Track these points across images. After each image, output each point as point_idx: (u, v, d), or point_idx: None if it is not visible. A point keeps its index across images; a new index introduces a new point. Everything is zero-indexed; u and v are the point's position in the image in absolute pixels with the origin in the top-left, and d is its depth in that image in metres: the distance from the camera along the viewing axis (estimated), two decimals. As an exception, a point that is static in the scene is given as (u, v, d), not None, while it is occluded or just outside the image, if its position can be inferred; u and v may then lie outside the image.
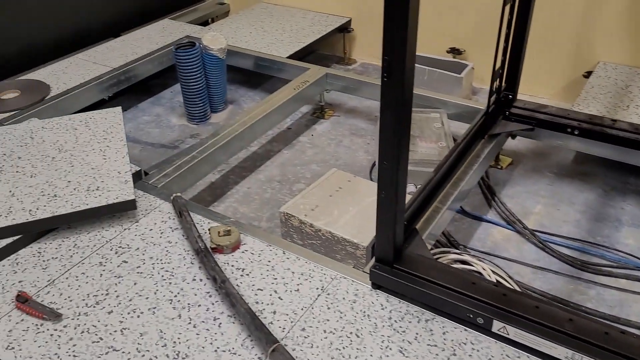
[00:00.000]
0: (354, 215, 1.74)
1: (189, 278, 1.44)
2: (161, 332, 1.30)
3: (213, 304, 1.36)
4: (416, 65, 1.24)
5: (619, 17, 2.49)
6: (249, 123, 2.21)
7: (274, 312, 1.33)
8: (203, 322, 1.32)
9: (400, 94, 1.09)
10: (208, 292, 1.40)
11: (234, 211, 2.11)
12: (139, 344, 1.27)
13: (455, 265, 1.68)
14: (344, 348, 1.24)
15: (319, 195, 1.84)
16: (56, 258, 1.52)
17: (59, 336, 1.29)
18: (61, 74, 2.58)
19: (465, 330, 1.28)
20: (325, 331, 1.28)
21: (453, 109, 2.31)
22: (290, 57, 2.77)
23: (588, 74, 2.57)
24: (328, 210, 1.76)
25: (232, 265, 1.48)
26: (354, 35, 3.29)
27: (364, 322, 1.30)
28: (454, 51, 2.93)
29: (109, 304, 1.37)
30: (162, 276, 1.45)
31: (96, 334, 1.30)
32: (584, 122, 2.02)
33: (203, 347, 1.25)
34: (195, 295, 1.39)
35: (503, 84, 2.08)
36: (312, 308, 1.34)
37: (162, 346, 1.26)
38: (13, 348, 1.26)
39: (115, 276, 1.46)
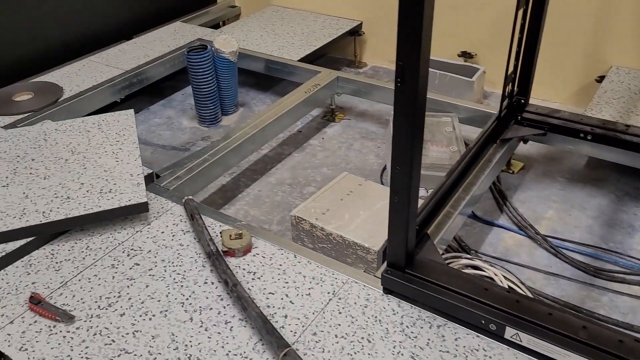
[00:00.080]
0: (365, 219, 1.74)
1: (200, 281, 1.45)
2: (173, 335, 1.30)
3: (224, 307, 1.37)
4: (429, 70, 1.24)
5: (631, 21, 2.47)
6: (260, 126, 2.21)
7: (285, 316, 1.33)
8: (214, 325, 1.32)
9: (413, 99, 1.09)
10: (219, 296, 1.40)
11: (245, 214, 2.12)
12: (150, 346, 1.27)
13: (466, 271, 1.67)
14: (355, 353, 1.24)
15: (330, 198, 1.84)
16: (69, 260, 1.53)
17: (72, 338, 1.30)
18: (74, 76, 2.60)
19: (478, 336, 1.27)
20: (336, 336, 1.28)
21: (464, 113, 2.30)
22: (301, 60, 2.77)
23: (601, 79, 2.56)
24: (339, 214, 1.76)
25: (244, 269, 1.48)
26: (364, 38, 3.29)
27: (375, 327, 1.30)
28: (465, 55, 2.92)
29: (121, 306, 1.38)
30: (174, 279, 1.46)
31: (108, 336, 1.30)
32: (596, 127, 2.01)
33: (215, 351, 1.25)
34: (207, 298, 1.40)
35: (515, 88, 2.07)
36: (324, 312, 1.34)
37: (174, 349, 1.26)
38: (26, 349, 1.27)
39: (127, 278, 1.46)
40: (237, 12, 3.70)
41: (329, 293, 1.40)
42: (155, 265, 1.50)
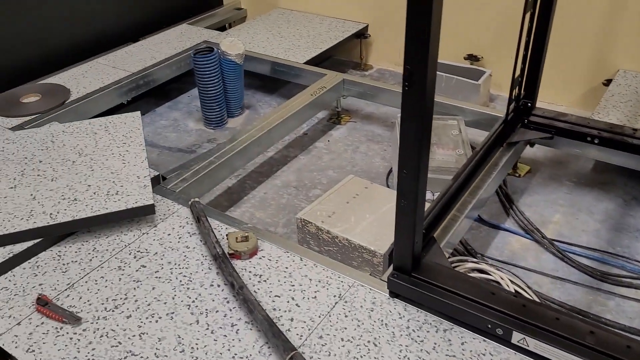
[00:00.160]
0: (371, 223, 1.73)
1: (206, 283, 1.45)
2: (179, 337, 1.30)
3: (231, 310, 1.37)
4: (437, 73, 1.24)
5: (639, 24, 2.46)
6: (266, 128, 2.21)
7: (292, 319, 1.33)
8: (221, 328, 1.32)
9: (421, 103, 1.09)
10: (226, 298, 1.40)
11: (251, 216, 2.12)
12: (157, 349, 1.27)
13: (472, 274, 1.67)
14: (361, 357, 1.24)
15: (336, 201, 1.84)
16: (76, 262, 1.54)
17: (79, 340, 1.30)
18: (81, 78, 2.61)
19: (484, 340, 1.27)
20: (342, 339, 1.28)
21: (471, 116, 2.30)
22: (307, 62, 2.78)
23: (608, 82, 2.55)
24: (345, 217, 1.76)
25: (250, 272, 1.48)
26: (370, 41, 3.29)
27: (381, 331, 1.30)
28: (471, 58, 2.92)
29: (128, 308, 1.38)
30: (180, 281, 1.46)
31: (115, 338, 1.30)
32: (604, 131, 2.00)
33: (221, 354, 1.25)
34: (213, 301, 1.40)
35: (522, 91, 2.07)
36: (330, 316, 1.34)
37: (180, 352, 1.26)
38: (33, 351, 1.28)
39: (133, 280, 1.47)
40: (243, 14, 3.71)
41: (335, 296, 1.40)
42: (162, 268, 1.51)
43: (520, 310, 1.26)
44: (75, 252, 1.57)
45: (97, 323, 1.35)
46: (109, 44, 2.98)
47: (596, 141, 1.99)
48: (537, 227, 1.97)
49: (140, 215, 1.67)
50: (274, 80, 2.99)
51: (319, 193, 2.21)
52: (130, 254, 1.56)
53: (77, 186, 1.74)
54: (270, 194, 2.24)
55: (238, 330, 1.31)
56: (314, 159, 2.46)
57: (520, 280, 1.69)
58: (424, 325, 1.31)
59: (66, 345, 1.29)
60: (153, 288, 1.44)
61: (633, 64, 2.56)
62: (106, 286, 1.45)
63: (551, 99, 2.77)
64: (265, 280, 1.45)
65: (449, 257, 1.68)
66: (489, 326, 1.25)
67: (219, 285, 1.44)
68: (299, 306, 1.37)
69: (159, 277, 1.48)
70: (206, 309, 1.37)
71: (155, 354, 1.26)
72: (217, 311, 1.37)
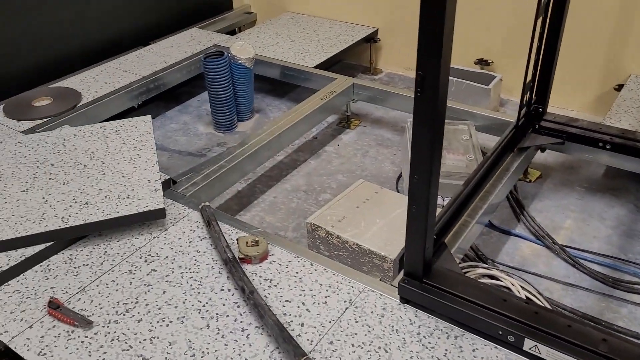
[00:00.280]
0: (381, 227, 1.73)
1: (217, 288, 1.45)
2: (190, 341, 1.30)
3: (241, 314, 1.37)
4: (449, 79, 1.23)
5: (652, 29, 2.45)
6: (276, 132, 2.22)
7: (302, 325, 1.33)
8: (231, 332, 1.32)
9: (433, 109, 1.09)
10: (236, 303, 1.40)
11: (260, 220, 2.12)
12: (168, 353, 1.28)
13: (483, 280, 1.66)
14: (372, 363, 1.23)
15: (346, 206, 1.83)
16: (87, 265, 1.55)
17: (90, 343, 1.31)
18: (92, 82, 2.63)
19: (496, 347, 1.26)
20: (353, 345, 1.28)
21: (481, 121, 2.29)
22: (317, 66, 2.78)
23: (619, 87, 2.53)
24: (355, 221, 1.76)
25: (260, 276, 1.48)
26: (380, 45, 3.29)
27: (392, 337, 1.29)
28: (482, 62, 2.91)
29: (139, 312, 1.39)
30: (191, 285, 1.46)
31: (126, 342, 1.31)
32: (615, 136, 1.99)
33: (231, 358, 1.25)
34: (224, 305, 1.40)
35: (533, 96, 2.06)
36: (340, 321, 1.34)
37: (191, 356, 1.27)
38: (45, 354, 1.28)
39: (144, 284, 1.47)
40: (253, 18, 3.72)
41: (345, 302, 1.39)
42: (172, 272, 1.51)
43: (532, 317, 1.25)
44: (87, 255, 1.58)
45: (108, 327, 1.35)
46: (120, 48, 3.00)
47: (608, 147, 1.98)
48: (548, 233, 1.96)
49: (151, 219, 1.67)
50: (284, 84, 3.00)
51: (329, 197, 2.21)
52: (141, 258, 1.56)
53: (88, 190, 1.75)
54: (280, 198, 2.24)
55: (249, 335, 1.31)
56: (323, 163, 2.46)
57: (532, 286, 1.68)
58: (435, 331, 1.30)
59: (77, 349, 1.29)
60: (164, 292, 1.45)
61: (645, 68, 2.54)
62: (117, 290, 1.46)
63: (562, 103, 2.76)
64: (275, 285, 1.45)
65: (459, 263, 1.68)
66: (501, 333, 1.25)
67: (229, 290, 1.44)
68: (309, 311, 1.37)
69: (170, 281, 1.48)
70: (217, 314, 1.37)
71: (166, 358, 1.26)
72: (227, 316, 1.37)
